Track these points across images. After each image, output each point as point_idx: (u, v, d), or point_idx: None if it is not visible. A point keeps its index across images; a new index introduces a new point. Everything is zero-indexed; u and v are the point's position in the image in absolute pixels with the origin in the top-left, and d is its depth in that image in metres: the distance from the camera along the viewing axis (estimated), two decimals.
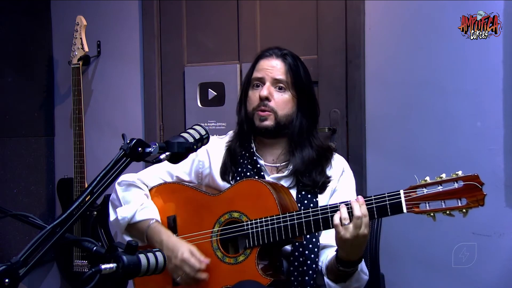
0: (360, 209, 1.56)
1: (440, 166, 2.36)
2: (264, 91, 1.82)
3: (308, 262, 1.78)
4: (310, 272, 1.77)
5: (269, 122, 1.83)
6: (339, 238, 1.59)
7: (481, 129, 2.31)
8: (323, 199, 1.85)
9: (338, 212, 1.59)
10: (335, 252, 1.68)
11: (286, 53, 1.87)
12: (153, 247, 1.78)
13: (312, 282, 1.77)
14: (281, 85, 1.83)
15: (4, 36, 3.08)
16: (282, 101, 1.83)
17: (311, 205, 1.80)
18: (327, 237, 1.80)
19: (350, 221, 1.56)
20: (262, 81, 1.85)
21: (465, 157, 2.33)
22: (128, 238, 1.87)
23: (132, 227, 1.85)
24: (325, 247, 1.82)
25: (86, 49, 3.00)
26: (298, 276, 1.78)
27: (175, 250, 1.76)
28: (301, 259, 1.78)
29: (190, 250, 1.76)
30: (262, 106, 1.83)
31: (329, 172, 1.88)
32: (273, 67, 1.84)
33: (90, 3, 3.16)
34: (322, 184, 1.83)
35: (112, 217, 1.90)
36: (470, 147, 2.32)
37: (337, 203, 1.64)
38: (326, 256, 1.78)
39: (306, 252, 1.78)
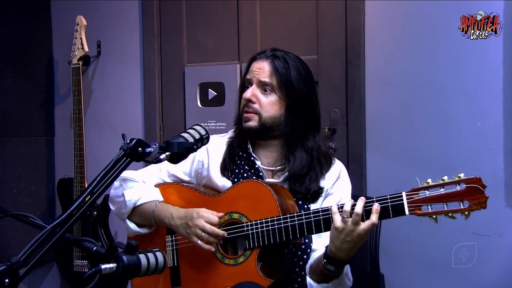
0: (363, 207, 1.55)
1: (440, 166, 2.36)
2: (247, 93, 1.84)
3: (301, 263, 1.77)
4: (303, 273, 1.77)
5: (252, 123, 1.83)
6: (334, 228, 1.57)
7: (481, 129, 2.31)
8: (315, 207, 1.82)
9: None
10: (324, 249, 1.66)
11: (277, 54, 1.85)
12: (163, 225, 1.81)
13: (300, 280, 1.77)
14: (267, 87, 1.83)
15: (4, 36, 3.08)
16: (267, 103, 1.83)
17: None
18: (318, 242, 1.79)
19: (350, 216, 1.55)
20: (250, 83, 1.86)
21: (465, 157, 2.33)
22: (130, 224, 1.86)
23: (137, 209, 1.84)
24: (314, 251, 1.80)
25: (86, 49, 3.00)
26: (292, 278, 1.77)
27: (188, 214, 1.75)
28: (295, 261, 1.78)
29: (203, 209, 1.75)
30: (246, 107, 1.85)
31: (323, 182, 1.85)
32: (260, 69, 1.84)
33: (90, 3, 3.16)
34: (314, 193, 1.81)
35: (114, 206, 1.90)
36: (470, 147, 2.32)
37: (342, 203, 1.62)
38: (313, 256, 1.77)
39: (299, 253, 1.78)
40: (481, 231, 2.30)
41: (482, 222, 2.26)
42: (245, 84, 1.89)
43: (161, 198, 1.86)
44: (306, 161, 1.82)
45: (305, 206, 1.81)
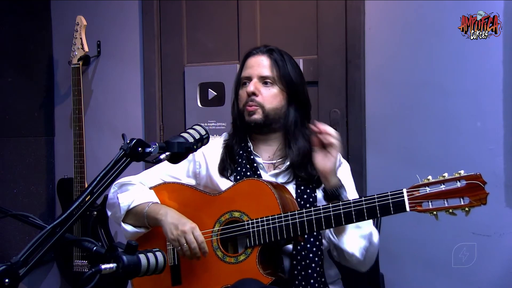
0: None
1: (440, 166, 2.35)
2: (250, 87, 1.87)
3: (308, 261, 1.78)
4: (310, 271, 1.77)
5: (257, 116, 1.86)
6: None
7: (481, 129, 2.31)
8: (321, 193, 1.85)
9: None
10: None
11: (272, 49, 1.91)
12: (154, 222, 1.80)
13: (313, 281, 1.77)
14: (268, 80, 1.87)
15: (4, 36, 3.08)
16: (269, 95, 1.87)
17: (311, 199, 1.82)
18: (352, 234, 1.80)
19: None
20: (249, 79, 1.89)
21: (465, 157, 2.33)
22: (126, 227, 1.86)
23: (131, 212, 1.85)
24: None
25: (86, 49, 3.00)
26: (300, 276, 1.78)
27: (183, 219, 1.76)
28: (303, 260, 1.78)
29: (197, 228, 1.76)
30: (249, 101, 1.87)
31: None
32: (259, 64, 1.88)
33: (90, 3, 3.16)
34: (318, 178, 1.83)
35: (110, 211, 1.91)
36: (470, 147, 2.32)
37: (339, 203, 1.64)
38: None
39: (308, 252, 1.79)
40: (481, 231, 2.30)
41: (482, 222, 2.26)
42: (241, 81, 1.92)
43: (155, 200, 1.87)
44: (307, 149, 1.85)
45: (313, 195, 1.83)
